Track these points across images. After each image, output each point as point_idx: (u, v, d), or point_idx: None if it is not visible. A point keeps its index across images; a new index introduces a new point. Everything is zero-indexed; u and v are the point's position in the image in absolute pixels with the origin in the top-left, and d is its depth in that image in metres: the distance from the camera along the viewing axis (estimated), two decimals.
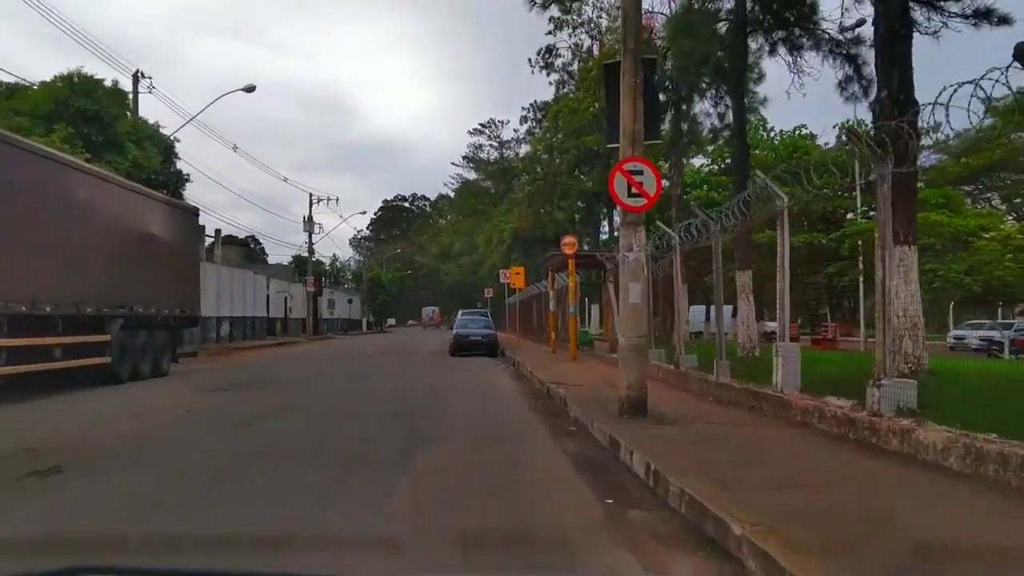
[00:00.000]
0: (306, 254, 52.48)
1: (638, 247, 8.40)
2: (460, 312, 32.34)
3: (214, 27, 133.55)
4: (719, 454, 6.45)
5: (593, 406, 9.54)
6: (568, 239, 19.66)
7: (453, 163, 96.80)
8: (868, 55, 14.65)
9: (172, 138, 23.71)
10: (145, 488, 5.84)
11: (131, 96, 24.15)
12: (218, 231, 37.03)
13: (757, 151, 34.09)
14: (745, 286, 14.94)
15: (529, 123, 45.90)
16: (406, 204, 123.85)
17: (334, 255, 77.11)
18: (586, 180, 37.09)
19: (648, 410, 8.40)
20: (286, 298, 50.96)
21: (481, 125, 58.82)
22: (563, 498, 5.61)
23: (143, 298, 15.70)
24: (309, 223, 50.48)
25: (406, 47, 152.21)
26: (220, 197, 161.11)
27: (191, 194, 26.25)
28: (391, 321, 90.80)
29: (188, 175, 24.73)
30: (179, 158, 24.45)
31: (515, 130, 57.22)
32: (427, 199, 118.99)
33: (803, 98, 27.85)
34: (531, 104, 51.45)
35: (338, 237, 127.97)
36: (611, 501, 5.43)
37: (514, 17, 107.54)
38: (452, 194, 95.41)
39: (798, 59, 17.09)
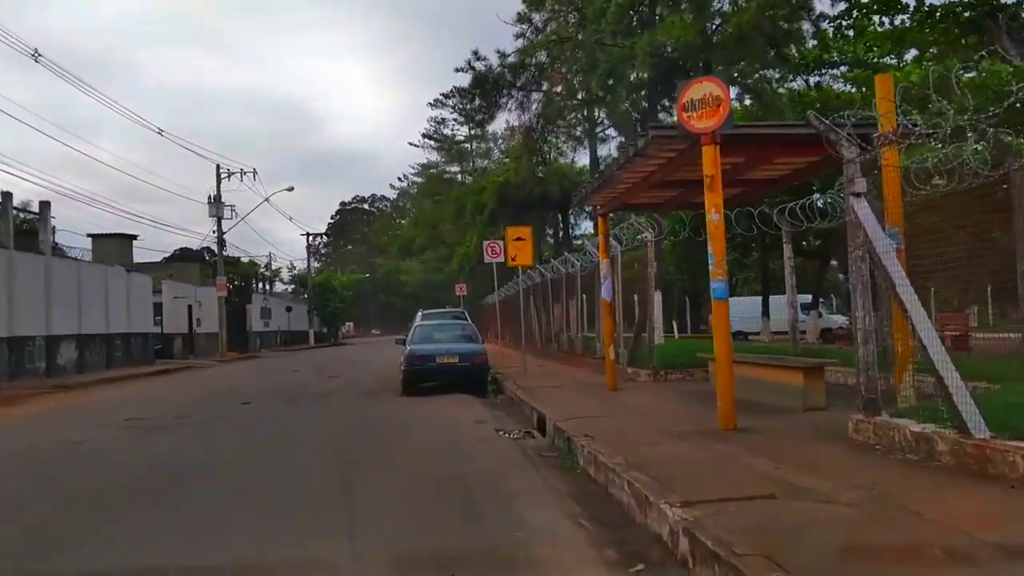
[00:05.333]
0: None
1: None
2: (420, 314, 19.32)
3: (168, 36, 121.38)
4: None
5: None
6: (704, 84, 6.83)
7: (411, 143, 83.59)
8: None
9: None
10: None
11: None
12: (45, 203, 23.88)
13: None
14: None
15: None
16: (365, 207, 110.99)
17: (270, 254, 63.81)
18: (667, 29, 19.60)
19: None
20: (190, 307, 38.01)
21: (443, 95, 43.64)
22: None
23: None
24: (217, 205, 37.55)
25: (363, 53, 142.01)
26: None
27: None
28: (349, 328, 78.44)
29: None
30: None
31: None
32: (387, 200, 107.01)
33: None
34: None
35: (294, 246, 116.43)
36: None
37: (477, 21, 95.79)
38: (413, 185, 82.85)
39: None
